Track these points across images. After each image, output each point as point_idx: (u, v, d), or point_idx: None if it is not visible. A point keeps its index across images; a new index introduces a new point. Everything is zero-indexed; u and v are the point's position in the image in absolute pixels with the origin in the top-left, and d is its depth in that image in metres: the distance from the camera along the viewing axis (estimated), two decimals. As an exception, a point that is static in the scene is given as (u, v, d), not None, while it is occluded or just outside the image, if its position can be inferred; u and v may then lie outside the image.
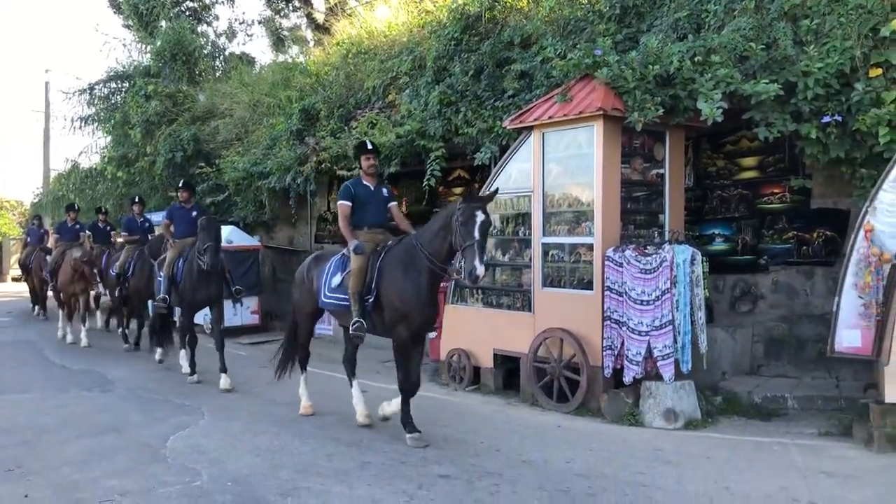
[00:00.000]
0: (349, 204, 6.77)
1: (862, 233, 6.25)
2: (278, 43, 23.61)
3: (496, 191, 6.58)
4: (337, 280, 6.73)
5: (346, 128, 12.39)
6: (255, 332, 13.80)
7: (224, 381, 8.71)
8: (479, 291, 8.81)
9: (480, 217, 5.76)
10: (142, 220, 12.79)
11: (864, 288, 6.22)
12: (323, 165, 12.30)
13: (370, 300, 6.36)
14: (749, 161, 8.82)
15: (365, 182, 6.90)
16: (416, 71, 11.45)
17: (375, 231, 6.77)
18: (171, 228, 9.93)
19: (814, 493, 4.98)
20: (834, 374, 7.49)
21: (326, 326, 12.51)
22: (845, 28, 7.10)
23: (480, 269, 5.61)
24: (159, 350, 10.53)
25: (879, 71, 6.85)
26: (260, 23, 23.97)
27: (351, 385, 7.19)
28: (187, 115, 17.23)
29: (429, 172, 10.16)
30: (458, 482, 5.24)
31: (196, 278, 9.04)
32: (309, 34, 23.48)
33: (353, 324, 6.38)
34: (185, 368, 9.49)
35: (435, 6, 12.75)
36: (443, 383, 9.02)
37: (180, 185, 10.27)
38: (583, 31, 9.24)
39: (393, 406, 6.64)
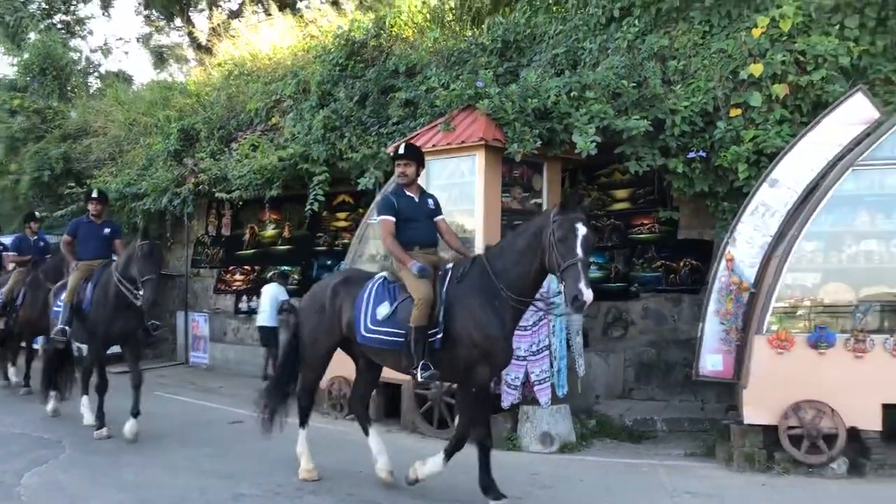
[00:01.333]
0: (393, 219, 5.59)
1: (723, 262, 6.63)
2: (159, 61, 22.88)
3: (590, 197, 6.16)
4: (385, 311, 5.42)
5: (226, 149, 12.11)
6: (119, 361, 13.05)
7: (130, 427, 7.19)
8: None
9: (582, 231, 4.69)
10: (35, 238, 10.61)
11: (725, 315, 6.57)
12: (201, 187, 11.95)
13: (437, 336, 5.15)
14: (621, 193, 9.23)
15: (408, 193, 5.74)
16: (301, 94, 11.36)
17: (428, 251, 5.63)
18: (75, 247, 8.19)
19: (679, 511, 5.18)
20: (699, 397, 7.88)
21: (201, 355, 12.08)
22: (709, 70, 7.59)
23: (588, 294, 4.56)
24: (53, 396, 8.49)
25: (739, 111, 7.34)
26: (138, 40, 23.19)
27: (367, 434, 5.96)
28: (57, 132, 16.36)
29: (312, 197, 10.04)
30: (334, 512, 5.13)
31: (112, 308, 7.48)
32: (190, 53, 22.90)
33: (421, 369, 5.11)
34: (89, 419, 7.79)
35: (320, 31, 12.73)
36: (323, 412, 8.84)
37: (93, 194, 8.39)
38: (466, 63, 9.44)
39: (430, 466, 5.41)
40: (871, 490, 5.60)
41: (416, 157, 5.83)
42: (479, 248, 7.60)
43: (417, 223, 5.64)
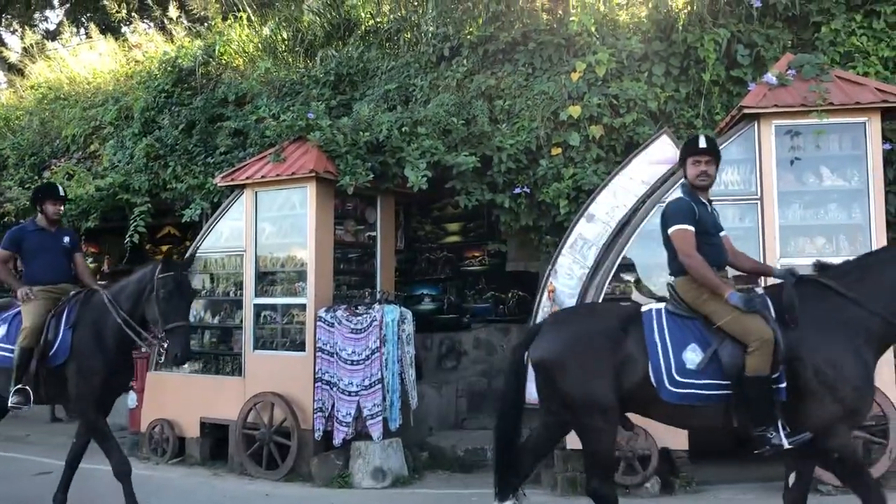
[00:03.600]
0: (693, 230, 4.37)
1: (546, 293, 6.91)
2: (-38, 80, 20.96)
3: None
4: (694, 359, 4.21)
5: (38, 178, 11.24)
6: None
7: None
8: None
9: None
10: None
11: (548, 343, 6.82)
12: (8, 218, 10.99)
13: (781, 387, 4.10)
14: (453, 226, 9.44)
15: (703, 199, 4.57)
16: (122, 121, 10.80)
17: (721, 275, 4.48)
18: (16, 266, 6.36)
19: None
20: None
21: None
22: (532, 110, 7.95)
23: None
24: None
25: (559, 150, 7.73)
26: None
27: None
28: None
29: (132, 228, 9.48)
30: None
31: (111, 361, 5.64)
32: (0, 75, 21.19)
33: (768, 433, 4.07)
34: None
35: (145, 56, 12.19)
36: (143, 457, 8.30)
37: (45, 188, 6.39)
38: (298, 94, 9.36)
39: None
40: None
41: (717, 152, 4.60)
42: (311, 282, 7.49)
43: (713, 238, 4.51)
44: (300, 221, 7.76)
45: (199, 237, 8.45)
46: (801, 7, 7.52)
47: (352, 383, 7.11)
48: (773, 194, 6.38)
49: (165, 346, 5.42)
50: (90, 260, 12.15)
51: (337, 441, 7.15)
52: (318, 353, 7.35)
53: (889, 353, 5.06)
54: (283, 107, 9.03)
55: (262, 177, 7.79)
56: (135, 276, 5.78)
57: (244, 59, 10.71)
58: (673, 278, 4.55)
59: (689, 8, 7.81)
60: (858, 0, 7.44)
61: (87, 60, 13.99)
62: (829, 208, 6.39)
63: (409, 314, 7.54)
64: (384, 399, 7.12)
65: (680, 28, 7.72)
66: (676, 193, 4.60)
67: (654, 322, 4.36)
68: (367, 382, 7.09)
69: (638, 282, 6.69)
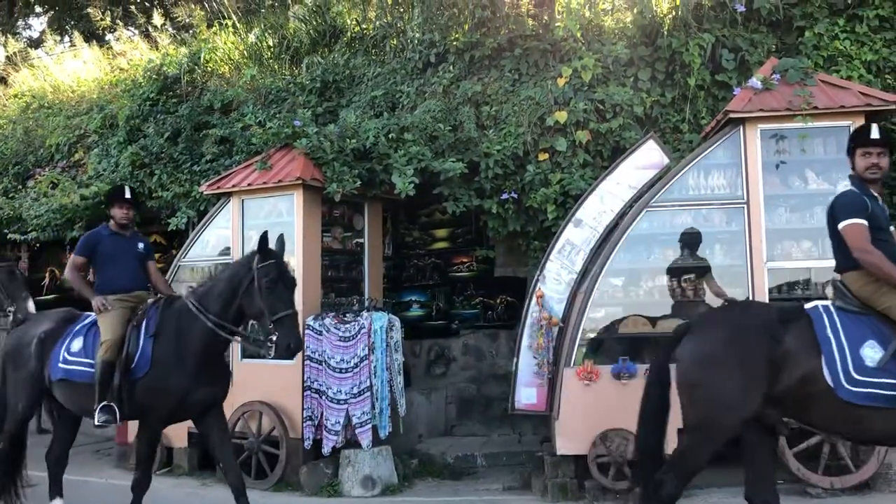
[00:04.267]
0: (866, 224, 4.12)
1: (534, 298, 6.90)
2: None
3: None
4: (876, 354, 3.94)
5: (22, 187, 11.17)
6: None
7: None
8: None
9: None
10: None
11: (537, 349, 6.83)
12: (-9, 228, 10.91)
13: None
14: (441, 232, 9.43)
15: (873, 193, 4.31)
16: (107, 130, 10.72)
17: None
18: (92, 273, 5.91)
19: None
20: (517, 430, 8.10)
21: None
22: (518, 116, 7.96)
23: None
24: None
25: (546, 155, 7.74)
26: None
27: None
28: None
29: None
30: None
31: (196, 367, 5.27)
32: (-17, 83, 21.04)
33: None
34: None
35: (130, 64, 12.12)
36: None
37: (112, 191, 6.18)
38: (284, 102, 9.33)
39: None
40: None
41: (890, 143, 4.39)
42: (298, 290, 7.44)
43: (884, 234, 4.21)
44: (287, 229, 7.63)
45: (185, 246, 8.39)
46: (784, 11, 7.57)
47: (341, 391, 7.08)
48: (760, 198, 6.41)
49: (274, 338, 5.03)
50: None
51: (326, 450, 7.10)
52: (307, 362, 7.31)
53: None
54: (270, 114, 9.00)
55: (249, 185, 7.76)
56: (223, 273, 5.45)
57: (230, 67, 10.67)
58: (839, 275, 4.31)
59: (673, 13, 7.86)
60: (841, 4, 7.49)
61: (71, 68, 13.91)
62: (815, 211, 6.41)
63: (397, 321, 7.51)
64: (373, 407, 7.09)
65: (665, 33, 7.76)
66: (845, 185, 4.33)
67: (825, 318, 4.08)
68: (355, 390, 7.06)
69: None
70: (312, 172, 7.57)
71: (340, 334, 7.16)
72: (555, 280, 6.91)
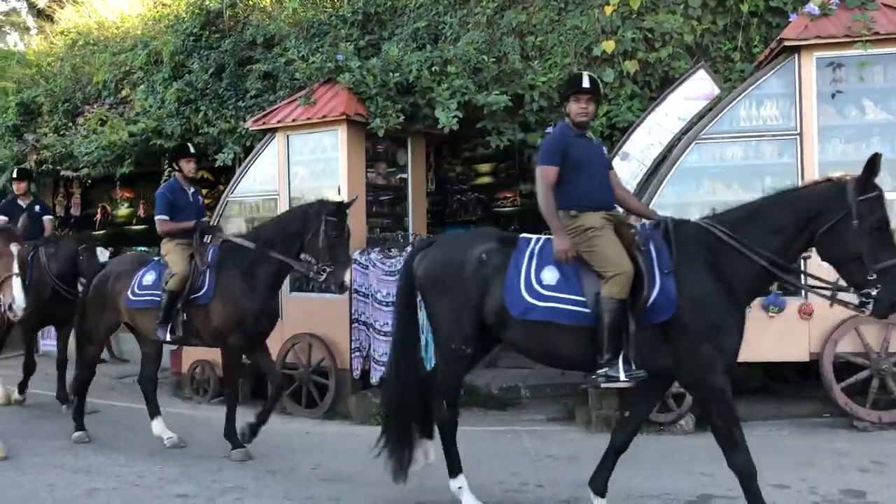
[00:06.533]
0: None
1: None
2: (-8, 27, 21.10)
3: None
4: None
5: (72, 124, 11.35)
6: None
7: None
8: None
9: None
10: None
11: (582, 283, 6.81)
12: (45, 166, 11.15)
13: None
14: (484, 167, 9.39)
15: None
16: (152, 66, 10.76)
17: None
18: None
19: (541, 476, 5.39)
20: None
21: (52, 343, 11.34)
22: (564, 46, 7.79)
23: None
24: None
25: (593, 87, 7.56)
26: (-33, 4, 21.23)
27: None
28: None
29: (166, 174, 9.57)
30: (197, 500, 4.98)
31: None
32: (30, 20, 21.20)
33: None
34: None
35: (172, -1, 12.08)
36: (186, 397, 8.56)
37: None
38: (326, 35, 9.23)
39: None
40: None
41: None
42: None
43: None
44: (332, 165, 7.77)
45: (232, 181, 8.51)
46: (845, -70, 7.20)
47: (387, 323, 7.20)
48: (814, 129, 6.24)
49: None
50: (126, 205, 12.37)
51: (374, 380, 7.29)
52: (354, 295, 7.44)
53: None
54: (312, 48, 8.93)
55: (293, 120, 7.79)
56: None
57: (271, 0, 10.57)
58: None
59: (727, -66, 7.52)
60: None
61: (114, 4, 13.91)
62: (872, 142, 6.22)
63: (441, 256, 7.55)
64: (419, 339, 7.20)
65: (717, -44, 7.45)
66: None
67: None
68: (401, 323, 7.17)
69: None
70: (356, 107, 7.56)
71: (386, 269, 7.25)
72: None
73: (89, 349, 6.76)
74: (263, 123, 8.07)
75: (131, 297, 6.37)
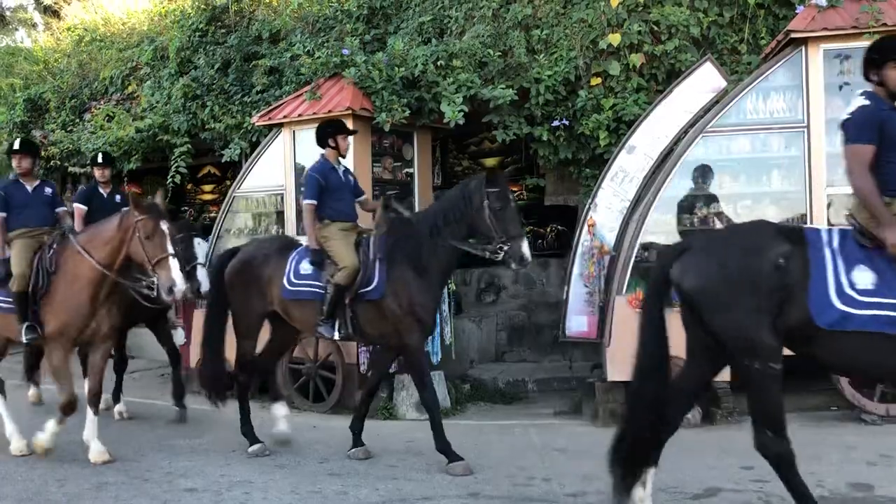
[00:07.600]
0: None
1: (586, 227, 6.88)
2: (1, 24, 21.13)
3: None
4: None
5: (79, 120, 11.38)
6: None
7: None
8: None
9: None
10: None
11: (588, 278, 6.84)
12: (53, 162, 11.20)
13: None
14: (490, 161, 9.39)
15: None
16: (159, 62, 10.79)
17: None
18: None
19: (548, 469, 5.39)
20: (567, 357, 8.18)
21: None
22: (570, 39, 7.77)
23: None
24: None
25: (599, 80, 7.57)
26: (-25, 1, 21.28)
27: None
28: None
29: (173, 169, 9.59)
30: (205, 494, 5.01)
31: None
32: (37, 17, 21.24)
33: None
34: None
35: (178, -5, 12.10)
36: (194, 391, 8.58)
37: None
38: (332, 30, 9.25)
39: None
40: (720, 436, 6.02)
41: None
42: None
43: None
44: (338, 159, 7.74)
45: (239, 177, 8.52)
46: (853, -79, 7.15)
47: (394, 318, 7.20)
48: (821, 121, 6.22)
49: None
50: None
51: (380, 375, 7.28)
52: (360, 290, 7.43)
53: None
54: (318, 43, 8.93)
55: (299, 115, 7.79)
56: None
57: (276, -5, 10.58)
58: None
59: (733, -74, 7.49)
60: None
61: (120, 1, 13.95)
62: (881, 135, 6.18)
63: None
64: (425, 333, 7.20)
65: (724, -52, 7.42)
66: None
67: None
68: (408, 317, 7.17)
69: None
70: (362, 102, 7.55)
71: (392, 263, 7.23)
72: (607, 208, 6.85)
73: (245, 344, 6.18)
74: (269, 119, 8.08)
75: (288, 286, 5.86)
